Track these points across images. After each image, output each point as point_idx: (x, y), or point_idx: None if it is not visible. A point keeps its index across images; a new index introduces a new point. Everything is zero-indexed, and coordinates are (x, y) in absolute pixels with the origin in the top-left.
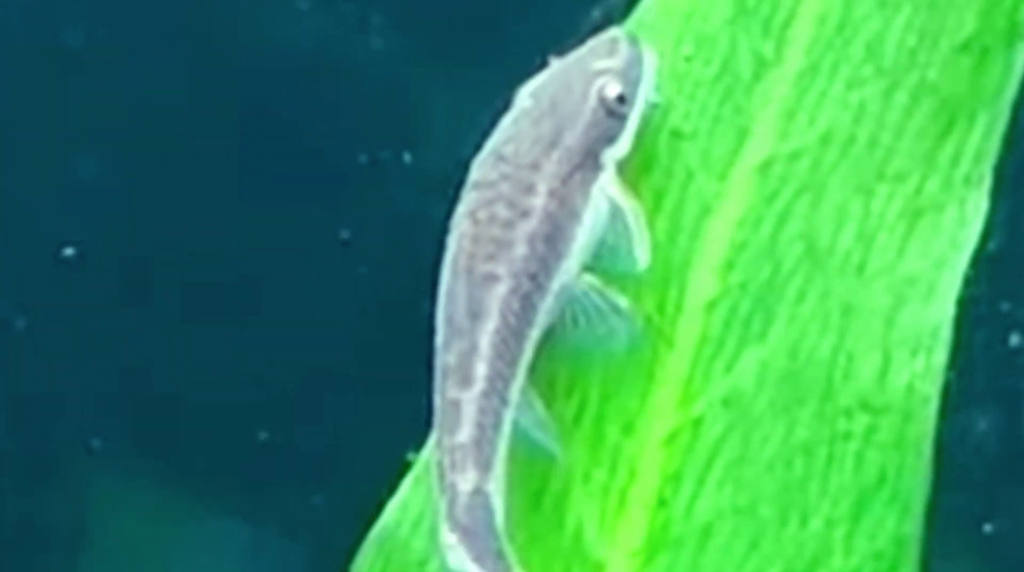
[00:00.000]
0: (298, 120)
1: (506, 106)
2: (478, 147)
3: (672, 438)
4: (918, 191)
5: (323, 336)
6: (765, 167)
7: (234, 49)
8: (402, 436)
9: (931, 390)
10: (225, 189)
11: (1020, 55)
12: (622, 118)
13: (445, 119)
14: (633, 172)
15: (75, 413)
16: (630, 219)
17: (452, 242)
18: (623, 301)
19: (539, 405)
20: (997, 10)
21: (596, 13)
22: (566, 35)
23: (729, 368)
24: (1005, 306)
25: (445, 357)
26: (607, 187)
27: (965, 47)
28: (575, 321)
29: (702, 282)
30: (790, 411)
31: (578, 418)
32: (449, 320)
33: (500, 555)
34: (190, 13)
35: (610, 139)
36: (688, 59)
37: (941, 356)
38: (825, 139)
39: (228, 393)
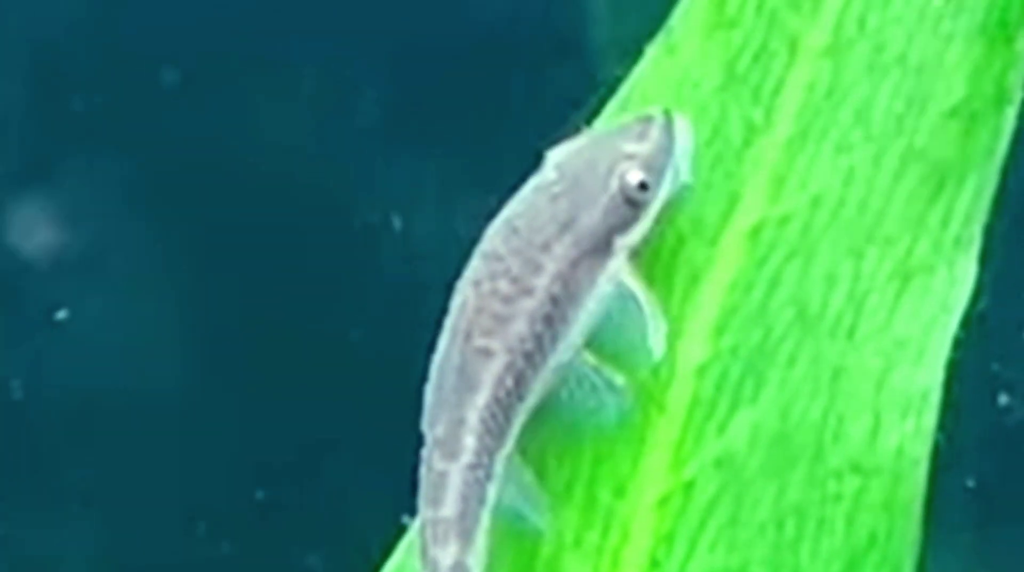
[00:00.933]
0: (294, 191)
1: (494, 179)
2: (469, 217)
3: (665, 500)
4: (908, 254)
5: (320, 400)
6: (755, 232)
7: (235, 117)
8: (397, 500)
9: (921, 452)
10: (220, 254)
11: (1008, 120)
12: (641, 206)
13: (435, 189)
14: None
15: (73, 469)
16: (646, 310)
17: (453, 309)
18: (619, 378)
19: (527, 476)
20: (985, 76)
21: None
22: (559, 112)
23: (721, 431)
24: (994, 366)
25: (434, 428)
26: (621, 275)
27: (954, 112)
28: (570, 395)
29: (693, 346)
30: (781, 473)
31: (571, 482)
32: (439, 390)
33: None
34: (187, 88)
35: (625, 226)
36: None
37: (931, 418)
38: (815, 203)
39: (227, 453)
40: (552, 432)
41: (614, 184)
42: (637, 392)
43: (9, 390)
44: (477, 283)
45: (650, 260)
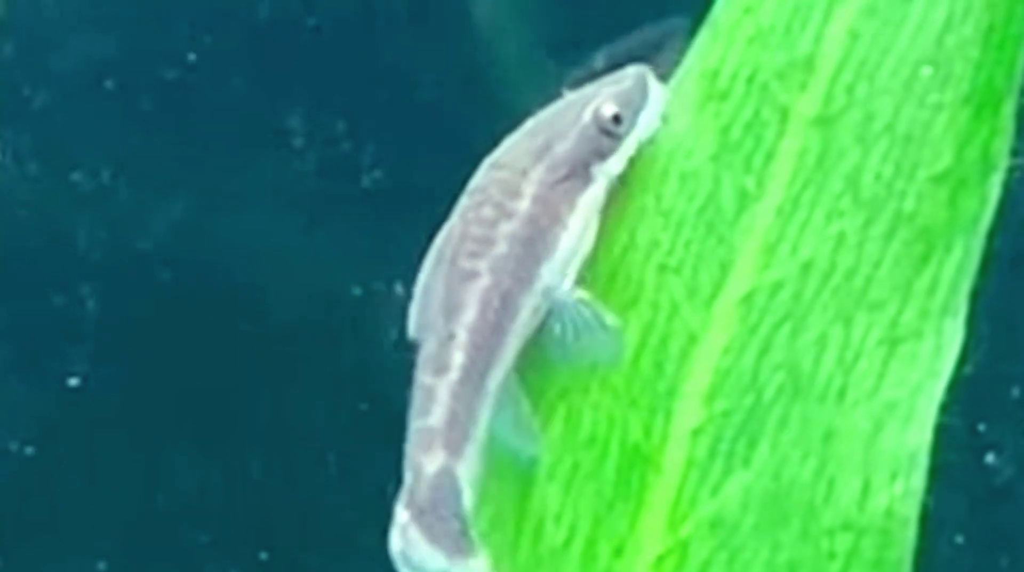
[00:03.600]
0: (288, 256)
1: None
2: None
3: (661, 560)
4: (896, 320)
5: (320, 465)
6: (748, 298)
7: (225, 183)
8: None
9: (910, 512)
10: (220, 324)
11: (995, 186)
12: (616, 137)
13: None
14: (620, 304)
15: (78, 538)
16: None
17: (439, 238)
18: (610, 316)
19: (523, 405)
20: (972, 144)
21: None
22: None
23: (715, 492)
24: (981, 427)
25: (424, 346)
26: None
27: (941, 179)
28: (563, 332)
29: (688, 410)
30: (774, 533)
31: (569, 540)
32: (426, 311)
33: (462, 538)
34: (183, 146)
35: (602, 155)
36: (673, 194)
37: (919, 479)
38: (806, 270)
39: (231, 515)
40: (554, 490)
41: (588, 115)
42: (631, 453)
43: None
44: (463, 213)
45: (646, 325)
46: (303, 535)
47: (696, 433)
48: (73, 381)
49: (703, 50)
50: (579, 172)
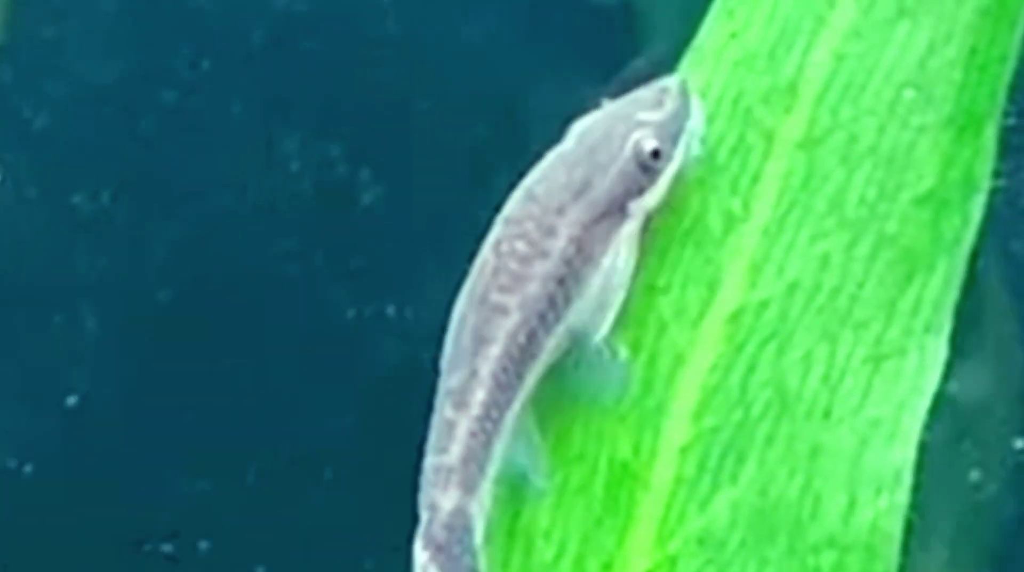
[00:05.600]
0: (287, 277)
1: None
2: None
3: None
4: (881, 338)
5: (320, 484)
6: (735, 317)
7: (224, 205)
8: None
9: (895, 528)
10: (219, 344)
11: (977, 207)
12: (654, 172)
13: (431, 271)
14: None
15: (76, 557)
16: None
17: (474, 270)
18: (623, 351)
19: (535, 437)
20: (954, 165)
21: None
22: None
23: (703, 508)
24: (966, 444)
25: (448, 379)
26: (628, 238)
27: (924, 200)
28: (575, 364)
29: (676, 427)
30: (761, 549)
31: (559, 557)
32: (456, 343)
33: None
34: (182, 169)
35: (639, 191)
36: (661, 217)
37: (903, 495)
38: (791, 289)
39: (230, 534)
40: (543, 509)
41: (628, 151)
42: (619, 469)
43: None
44: (496, 245)
45: (634, 344)
46: (303, 554)
47: (684, 450)
48: (72, 400)
49: (689, 74)
50: (615, 209)
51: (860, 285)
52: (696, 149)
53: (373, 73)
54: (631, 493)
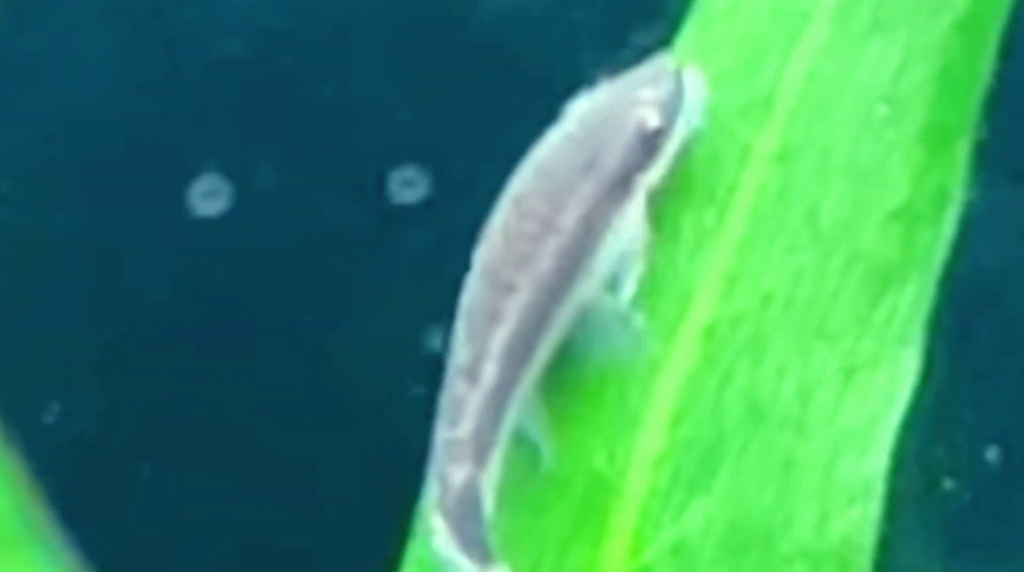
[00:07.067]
0: (264, 296)
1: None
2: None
3: None
4: (853, 350)
5: (303, 502)
6: (710, 329)
7: (202, 224)
8: None
9: (867, 539)
10: (198, 363)
11: (949, 221)
12: (657, 147)
13: (408, 286)
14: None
15: None
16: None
17: (483, 249)
18: (638, 318)
19: (543, 415)
20: (926, 180)
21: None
22: None
23: (677, 518)
24: (939, 452)
25: (459, 355)
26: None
27: (896, 215)
28: (588, 335)
29: (651, 438)
30: (734, 559)
31: (535, 566)
32: (468, 321)
33: (485, 544)
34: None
35: (643, 166)
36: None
37: (875, 507)
38: (765, 302)
39: (215, 552)
40: (520, 519)
41: (631, 128)
42: (595, 479)
43: None
44: (505, 224)
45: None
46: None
47: (659, 461)
48: (49, 418)
49: None
50: (620, 184)
51: (833, 298)
52: (697, 121)
53: (354, 86)
54: (606, 503)
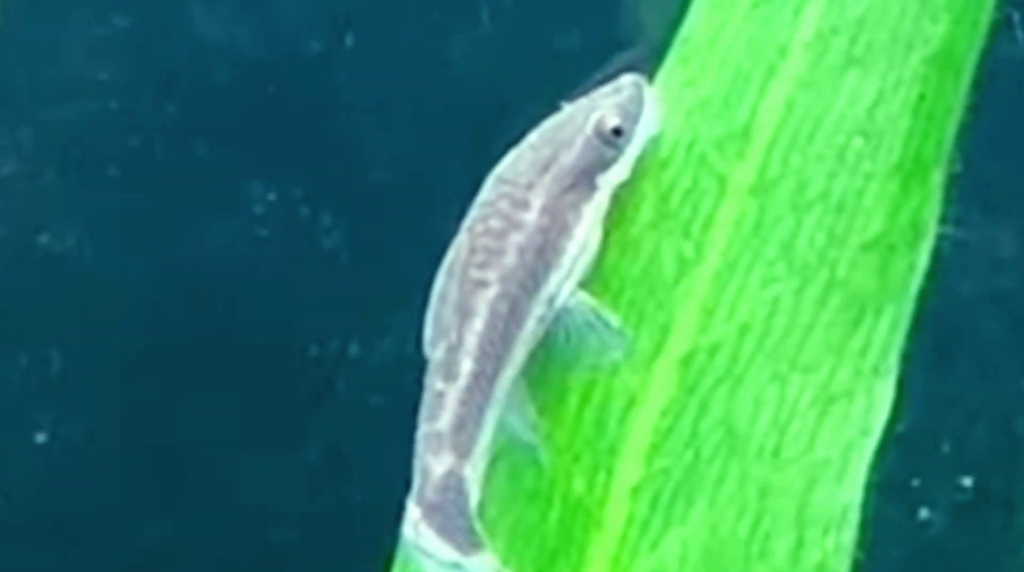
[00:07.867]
0: (253, 317)
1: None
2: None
3: None
4: (829, 380)
5: (285, 530)
6: (687, 359)
7: (190, 246)
8: None
9: (841, 567)
10: (186, 384)
11: (924, 253)
12: (618, 147)
13: (392, 312)
14: (563, 367)
15: None
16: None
17: (450, 252)
18: (615, 319)
19: (530, 410)
20: (902, 211)
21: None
22: None
23: (654, 547)
24: (915, 482)
25: (433, 353)
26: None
27: (872, 246)
28: (567, 336)
29: (628, 467)
30: None
31: None
32: (438, 319)
33: (470, 534)
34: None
35: (605, 165)
36: (614, 260)
37: (850, 535)
38: (742, 333)
39: (215, 561)
40: (498, 542)
41: (591, 126)
42: (573, 507)
43: None
44: (471, 227)
45: (588, 384)
46: None
47: (636, 490)
48: (40, 437)
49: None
50: (584, 182)
51: (809, 328)
52: (654, 129)
53: (339, 113)
54: (584, 531)
